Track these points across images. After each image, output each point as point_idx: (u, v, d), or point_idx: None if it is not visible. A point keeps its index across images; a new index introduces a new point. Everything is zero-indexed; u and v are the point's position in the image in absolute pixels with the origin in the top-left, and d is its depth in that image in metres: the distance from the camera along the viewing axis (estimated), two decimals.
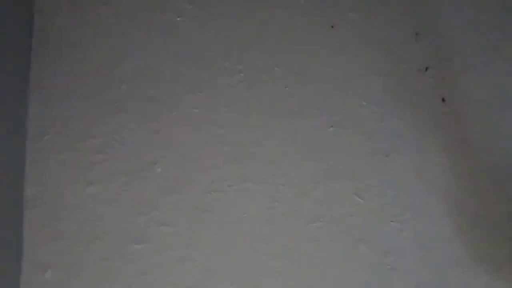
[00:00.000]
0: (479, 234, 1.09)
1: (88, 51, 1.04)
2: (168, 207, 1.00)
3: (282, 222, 1.03)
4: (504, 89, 1.18)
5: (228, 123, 1.05)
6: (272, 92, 1.08)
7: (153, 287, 0.98)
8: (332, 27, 1.13)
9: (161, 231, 0.99)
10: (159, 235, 0.99)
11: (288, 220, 1.03)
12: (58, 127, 1.01)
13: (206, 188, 1.02)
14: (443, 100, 1.14)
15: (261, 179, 1.04)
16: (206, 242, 1.00)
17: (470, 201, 1.11)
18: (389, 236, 1.07)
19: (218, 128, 1.05)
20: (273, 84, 1.09)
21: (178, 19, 1.08)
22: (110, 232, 0.98)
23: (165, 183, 1.01)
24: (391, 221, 1.07)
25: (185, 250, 0.99)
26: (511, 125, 1.17)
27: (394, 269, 1.05)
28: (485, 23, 1.20)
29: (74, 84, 1.02)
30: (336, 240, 1.05)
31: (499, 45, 1.20)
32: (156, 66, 1.06)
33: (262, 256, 1.01)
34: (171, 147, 1.03)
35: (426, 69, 1.15)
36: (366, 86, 1.12)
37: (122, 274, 0.97)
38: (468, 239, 1.09)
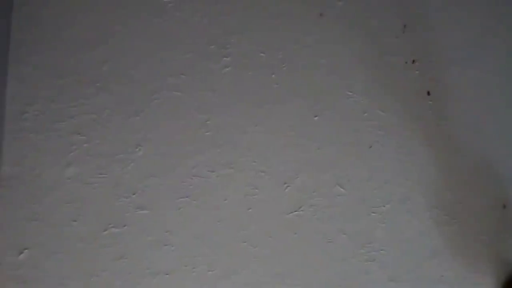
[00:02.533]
0: (456, 228, 1.11)
1: (71, 29, 1.02)
2: (147, 191, 0.99)
3: (262, 210, 1.03)
4: (489, 85, 1.19)
5: (212, 108, 1.04)
6: (258, 78, 1.07)
7: (130, 271, 0.97)
8: (320, 15, 1.12)
9: (139, 214, 0.98)
10: (137, 218, 0.98)
11: (268, 207, 1.03)
12: (37, 106, 0.98)
13: (187, 173, 1.01)
14: (428, 93, 1.14)
15: (243, 166, 1.03)
16: (185, 227, 1.00)
17: (449, 195, 1.12)
18: (368, 227, 1.07)
19: (201, 113, 1.04)
20: (258, 70, 1.07)
21: (165, 0, 1.06)
22: (88, 214, 0.97)
23: (146, 166, 1.00)
24: (372, 213, 1.08)
25: (163, 234, 0.99)
26: (493, 121, 1.18)
27: (372, 259, 1.06)
28: (473, 18, 1.20)
29: (55, 62, 1.00)
30: (316, 229, 1.05)
31: (486, 40, 1.20)
32: (139, 47, 1.03)
33: (240, 243, 1.01)
34: (153, 130, 1.01)
35: (413, 61, 1.14)
36: (352, 76, 1.11)
37: (99, 257, 0.96)
38: (445, 232, 1.10)
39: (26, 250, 0.94)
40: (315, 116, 1.09)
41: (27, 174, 0.97)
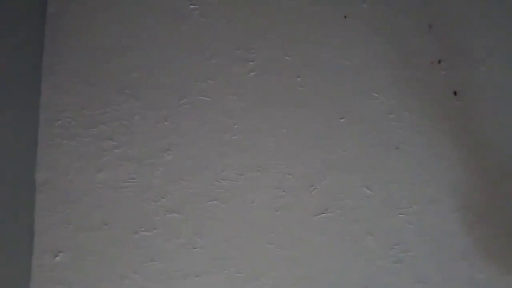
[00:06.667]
0: (485, 229, 1.09)
1: (100, 38, 1.04)
2: (177, 195, 1.01)
3: (289, 212, 1.03)
4: None
5: (238, 112, 1.05)
6: (283, 82, 1.08)
7: (160, 274, 0.99)
8: (344, 17, 1.12)
9: (169, 218, 1.00)
10: (167, 222, 1.00)
11: (296, 210, 1.04)
12: (69, 113, 1.01)
13: (215, 177, 1.03)
14: (454, 93, 1.13)
15: (270, 169, 1.04)
16: (213, 230, 1.01)
17: (478, 195, 1.10)
18: (396, 229, 1.07)
19: (228, 117, 1.05)
20: (283, 73, 1.08)
21: (191, 6, 1.08)
22: (119, 218, 0.99)
23: (174, 170, 1.02)
24: (399, 214, 1.07)
25: (192, 237, 1.00)
26: None
27: (400, 261, 1.05)
28: (499, 16, 1.18)
29: (86, 70, 1.03)
30: (343, 231, 1.05)
31: None
32: (167, 54, 1.05)
33: (268, 245, 1.02)
34: (181, 135, 1.03)
35: (439, 61, 1.13)
36: (377, 77, 1.11)
37: (130, 259, 0.99)
38: (475, 233, 1.08)
39: (61, 253, 0.97)
40: (341, 118, 1.09)
41: (60, 180, 1.00)
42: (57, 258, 0.97)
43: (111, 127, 1.02)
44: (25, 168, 0.98)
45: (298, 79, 1.08)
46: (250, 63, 1.07)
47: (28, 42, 0.99)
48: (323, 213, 1.05)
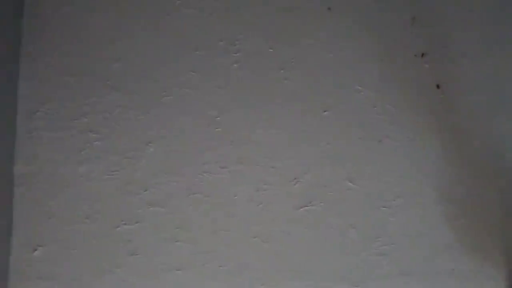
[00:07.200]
0: (467, 222, 1.10)
1: (81, 28, 1.03)
2: (159, 188, 1.00)
3: (272, 205, 1.03)
4: (500, 77, 1.17)
5: (222, 105, 1.05)
6: (267, 74, 1.08)
7: (143, 267, 0.98)
8: (329, 9, 1.12)
9: (152, 211, 1.00)
10: (150, 215, 0.99)
11: (279, 203, 1.04)
12: (49, 105, 1.00)
13: (198, 170, 1.02)
14: (437, 86, 1.14)
15: (253, 162, 1.04)
16: (196, 223, 1.01)
17: (460, 188, 1.11)
18: (379, 222, 1.07)
19: (211, 109, 1.04)
20: (268, 66, 1.08)
21: None
22: (101, 211, 0.98)
23: (157, 163, 1.01)
24: (382, 207, 1.08)
25: (175, 230, 1.00)
26: (504, 114, 1.17)
27: (382, 253, 1.06)
28: (483, 10, 1.19)
29: (66, 61, 1.01)
30: (326, 224, 1.05)
31: (496, 32, 1.19)
32: (149, 45, 1.04)
33: (251, 238, 1.02)
34: (164, 127, 1.02)
35: (422, 55, 1.14)
36: (361, 70, 1.11)
37: (112, 253, 0.98)
38: (457, 226, 1.09)
39: (40, 247, 0.96)
40: (325, 111, 1.09)
41: (40, 172, 0.98)
42: (36, 252, 0.96)
43: (92, 119, 1.00)
44: (3, 161, 0.96)
45: (282, 71, 1.08)
46: (233, 55, 1.07)
47: (5, 32, 0.97)
48: (307, 206, 1.05)
